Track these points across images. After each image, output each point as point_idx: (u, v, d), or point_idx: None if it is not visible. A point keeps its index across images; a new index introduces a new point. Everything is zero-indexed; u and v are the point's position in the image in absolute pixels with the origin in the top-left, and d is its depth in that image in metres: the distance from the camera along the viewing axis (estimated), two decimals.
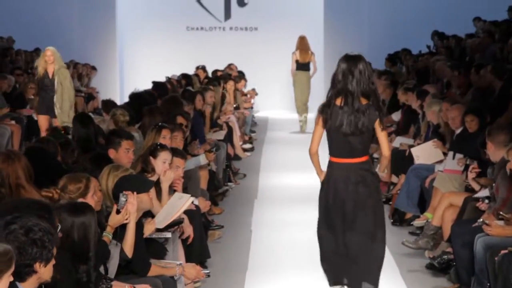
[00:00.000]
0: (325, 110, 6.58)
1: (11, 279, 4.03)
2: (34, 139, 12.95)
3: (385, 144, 6.63)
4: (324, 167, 6.83)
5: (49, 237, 4.27)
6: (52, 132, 9.14)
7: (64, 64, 13.07)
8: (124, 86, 21.80)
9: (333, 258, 6.73)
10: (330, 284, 6.85)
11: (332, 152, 6.66)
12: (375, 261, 6.70)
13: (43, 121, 12.75)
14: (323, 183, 6.77)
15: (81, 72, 20.09)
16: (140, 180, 6.43)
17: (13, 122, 13.77)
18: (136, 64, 22.46)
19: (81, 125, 8.78)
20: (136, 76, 21.51)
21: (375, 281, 6.71)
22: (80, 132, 8.73)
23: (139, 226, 6.15)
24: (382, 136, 6.59)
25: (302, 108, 18.44)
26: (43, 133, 11.88)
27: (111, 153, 7.61)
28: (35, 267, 4.25)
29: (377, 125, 6.54)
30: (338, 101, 6.53)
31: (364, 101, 6.52)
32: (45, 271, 4.29)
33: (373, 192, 6.67)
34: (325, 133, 6.71)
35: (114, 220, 5.80)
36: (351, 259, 6.65)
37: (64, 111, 12.38)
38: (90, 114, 12.78)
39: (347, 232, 6.64)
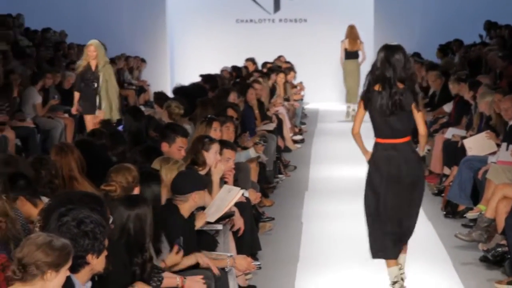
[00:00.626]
0: (366, 95, 6.95)
1: (68, 273, 4.06)
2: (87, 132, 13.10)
3: (421, 123, 6.96)
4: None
5: (100, 229, 4.30)
6: (104, 125, 9.22)
7: (108, 59, 12.56)
8: (175, 78, 21.88)
9: (379, 230, 6.94)
10: (373, 256, 7.02)
11: (376, 134, 7.02)
12: (412, 228, 7.04)
13: (88, 120, 12.14)
14: (369, 162, 7.07)
15: (131, 65, 20.23)
16: (196, 177, 6.48)
17: (66, 115, 13.96)
18: (186, 57, 22.55)
19: (133, 118, 8.83)
20: (186, 69, 21.60)
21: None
22: (131, 125, 8.78)
23: (191, 219, 6.17)
24: (418, 116, 6.92)
25: (352, 96, 18.45)
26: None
27: (164, 146, 7.62)
28: (87, 259, 4.29)
29: (413, 107, 6.86)
30: (377, 87, 6.87)
31: (400, 86, 6.84)
32: (97, 263, 4.33)
33: (415, 169, 6.98)
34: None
35: (171, 260, 5.81)
36: (394, 224, 6.92)
37: (115, 109, 12.01)
38: (141, 107, 12.87)
39: (392, 205, 6.91)
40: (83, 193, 4.99)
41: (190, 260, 5.92)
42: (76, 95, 12.26)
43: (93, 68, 12.04)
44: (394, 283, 6.90)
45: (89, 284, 4.38)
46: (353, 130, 7.07)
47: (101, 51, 12.06)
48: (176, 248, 5.77)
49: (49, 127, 13.71)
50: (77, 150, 6.62)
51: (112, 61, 18.83)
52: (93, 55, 11.97)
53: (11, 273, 3.94)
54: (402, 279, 6.94)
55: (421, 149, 7.25)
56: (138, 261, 5.12)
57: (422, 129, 6.97)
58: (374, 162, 6.98)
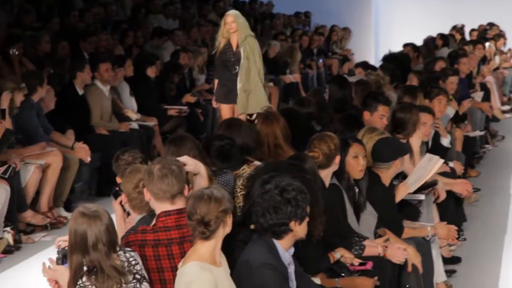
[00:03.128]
0: None
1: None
2: (291, 101, 13.33)
3: None
4: None
5: (302, 196, 4.37)
6: (313, 93, 9.29)
7: (252, 32, 10.06)
8: (379, 48, 21.71)
9: None
10: None
11: None
12: None
13: (225, 111, 9.90)
14: None
15: (337, 35, 20.26)
16: (398, 143, 6.45)
17: (271, 84, 14.23)
18: (390, 26, 22.28)
19: (338, 87, 8.85)
20: (390, 38, 21.34)
21: None
22: (336, 93, 8.80)
23: (391, 186, 6.15)
24: None
25: None
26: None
27: (366, 115, 7.60)
28: (290, 226, 4.37)
29: None
30: None
31: None
32: (299, 229, 4.40)
33: None
34: None
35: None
36: None
37: (258, 95, 9.63)
38: (345, 75, 12.87)
39: None
40: (290, 163, 5.07)
41: None
42: (216, 83, 10.10)
43: (234, 47, 9.84)
44: None
45: (292, 250, 4.46)
46: None
47: (242, 22, 9.83)
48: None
49: None
50: (282, 119, 6.71)
51: (318, 31, 19.05)
52: (233, 26, 9.74)
53: (198, 234, 4.11)
54: None
55: None
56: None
57: None
58: None
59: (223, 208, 4.13)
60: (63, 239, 4.21)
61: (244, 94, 9.61)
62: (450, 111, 9.46)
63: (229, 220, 4.18)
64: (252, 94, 9.59)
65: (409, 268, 5.68)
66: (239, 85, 9.62)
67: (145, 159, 5.39)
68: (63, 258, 4.16)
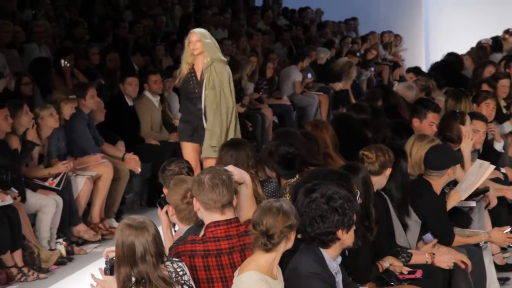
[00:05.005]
0: None
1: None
2: (341, 108, 13.30)
3: None
4: None
5: (349, 205, 4.34)
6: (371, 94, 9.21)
7: (222, 56, 8.13)
8: (430, 54, 21.54)
9: None
10: None
11: None
12: None
13: (188, 151, 8.19)
14: None
15: (386, 41, 20.15)
16: (451, 152, 6.38)
17: (321, 92, 14.21)
18: (441, 32, 22.07)
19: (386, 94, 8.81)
20: (441, 44, 21.14)
21: None
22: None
23: (442, 195, 6.08)
24: None
25: None
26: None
27: (415, 122, 7.54)
28: (337, 234, 4.34)
29: None
30: None
31: None
32: (347, 238, 4.37)
33: None
34: None
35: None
36: None
37: (214, 134, 7.88)
38: (395, 82, 12.77)
39: None
40: (329, 170, 5.05)
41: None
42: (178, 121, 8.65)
43: (198, 74, 8.02)
44: None
45: (339, 259, 4.43)
46: None
47: (209, 43, 7.96)
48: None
49: (304, 104, 14.04)
50: (331, 127, 6.68)
51: (364, 38, 18.96)
52: (197, 47, 7.91)
53: (260, 245, 4.09)
54: None
55: None
56: (366, 224, 5.11)
57: None
58: None
59: (290, 223, 4.10)
60: (110, 250, 4.24)
61: (209, 134, 7.93)
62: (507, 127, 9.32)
63: (293, 236, 4.14)
64: (214, 133, 7.89)
65: (462, 265, 5.61)
66: (204, 123, 7.95)
67: (191, 169, 5.41)
68: (111, 268, 4.18)
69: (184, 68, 8.03)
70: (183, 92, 8.18)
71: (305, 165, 5.91)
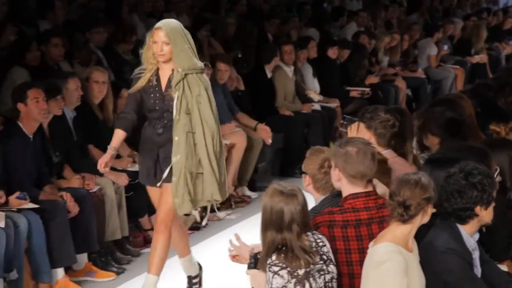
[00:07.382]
0: None
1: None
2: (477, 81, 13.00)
3: None
4: None
5: (488, 181, 4.26)
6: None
7: (200, 63, 5.67)
8: None
9: None
10: None
11: None
12: None
13: (153, 194, 5.96)
14: None
15: None
16: None
17: (457, 66, 13.95)
18: None
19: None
20: None
21: None
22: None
23: None
24: None
25: None
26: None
27: None
28: (475, 211, 4.27)
29: None
30: None
31: None
32: (485, 214, 4.30)
33: None
34: None
35: None
36: None
37: (206, 179, 5.75)
38: None
39: None
40: (470, 145, 4.96)
41: None
42: (117, 134, 5.78)
43: (163, 84, 5.70)
44: None
45: (477, 235, 4.36)
46: None
47: (181, 45, 5.56)
48: None
49: (440, 78, 13.82)
50: (468, 100, 6.56)
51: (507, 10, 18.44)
52: (163, 51, 5.56)
53: (396, 215, 4.08)
54: None
55: None
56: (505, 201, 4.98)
57: None
58: None
59: (427, 196, 4.08)
60: (256, 247, 4.31)
61: (180, 177, 5.62)
62: None
63: (430, 210, 4.12)
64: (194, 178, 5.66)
65: None
66: (173, 158, 5.60)
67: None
68: (255, 262, 4.22)
69: (145, 73, 5.69)
70: (135, 106, 5.74)
71: (470, 132, 5.81)
